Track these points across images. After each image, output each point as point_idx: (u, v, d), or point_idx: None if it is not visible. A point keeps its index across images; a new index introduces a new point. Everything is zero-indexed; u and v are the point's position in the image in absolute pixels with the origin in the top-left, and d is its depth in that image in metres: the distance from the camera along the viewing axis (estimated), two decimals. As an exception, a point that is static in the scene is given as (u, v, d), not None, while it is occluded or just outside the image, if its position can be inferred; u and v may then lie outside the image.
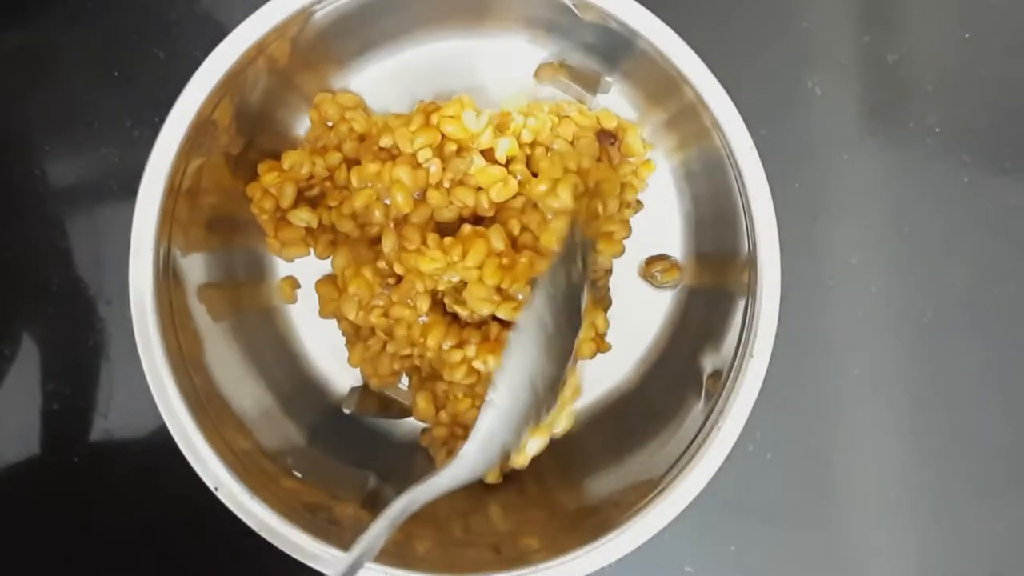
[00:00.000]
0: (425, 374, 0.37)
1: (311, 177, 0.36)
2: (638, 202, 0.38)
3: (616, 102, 0.38)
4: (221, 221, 0.36)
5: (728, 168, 0.32)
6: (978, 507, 0.40)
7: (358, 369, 0.38)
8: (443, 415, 0.37)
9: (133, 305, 0.31)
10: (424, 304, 0.34)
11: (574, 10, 0.33)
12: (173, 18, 0.39)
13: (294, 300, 0.38)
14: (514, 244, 0.35)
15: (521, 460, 0.32)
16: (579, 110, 0.37)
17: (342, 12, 0.33)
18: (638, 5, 0.31)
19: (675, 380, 0.37)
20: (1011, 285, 0.40)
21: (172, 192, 0.31)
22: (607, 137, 0.37)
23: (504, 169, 0.35)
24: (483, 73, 0.38)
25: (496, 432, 0.29)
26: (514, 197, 0.35)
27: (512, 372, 0.29)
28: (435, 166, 0.34)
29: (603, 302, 0.38)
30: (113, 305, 0.39)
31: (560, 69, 0.37)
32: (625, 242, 0.38)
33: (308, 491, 0.33)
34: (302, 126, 0.38)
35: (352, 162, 0.36)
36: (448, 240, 0.34)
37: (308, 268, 0.38)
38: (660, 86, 0.34)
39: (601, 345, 0.37)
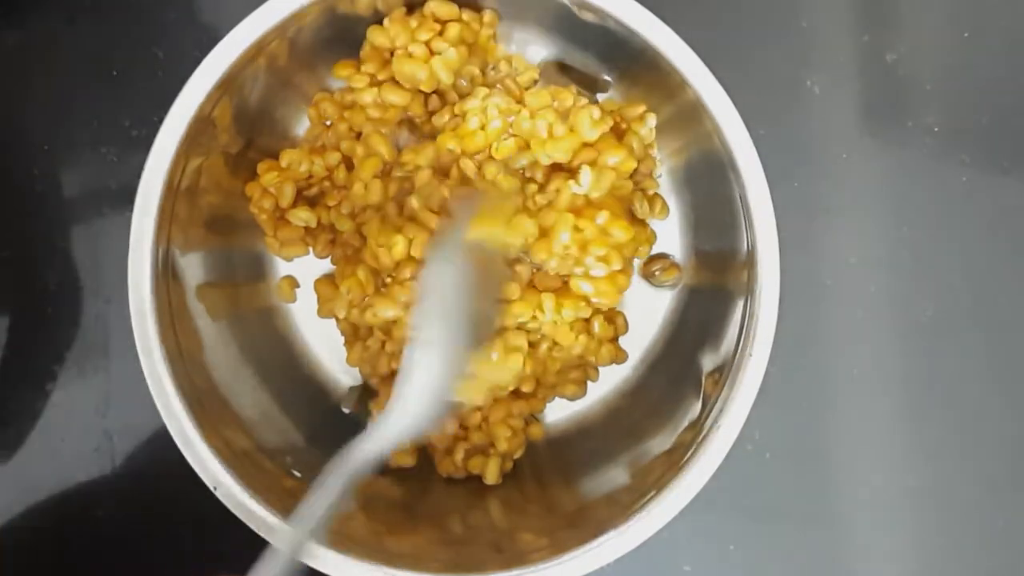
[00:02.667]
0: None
1: (310, 176, 0.36)
2: (661, 201, 0.38)
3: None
4: (220, 220, 0.36)
5: (727, 168, 0.32)
6: (978, 506, 0.40)
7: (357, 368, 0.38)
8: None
9: (132, 304, 0.31)
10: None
11: (574, 10, 0.33)
12: (173, 18, 0.39)
13: (293, 299, 0.38)
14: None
15: (475, 396, 0.32)
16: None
17: (341, 12, 0.33)
18: (638, 5, 0.31)
19: (674, 379, 0.37)
20: (1011, 285, 0.40)
21: (171, 191, 0.31)
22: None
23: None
24: (482, 73, 0.38)
25: (426, 373, 0.28)
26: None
27: (429, 304, 0.28)
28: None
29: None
30: (112, 304, 0.39)
31: (560, 69, 0.37)
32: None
33: (308, 491, 0.33)
34: (301, 126, 0.38)
35: (351, 161, 0.36)
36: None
37: (307, 267, 0.38)
38: (660, 86, 0.34)
39: (618, 354, 0.37)
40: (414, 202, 0.34)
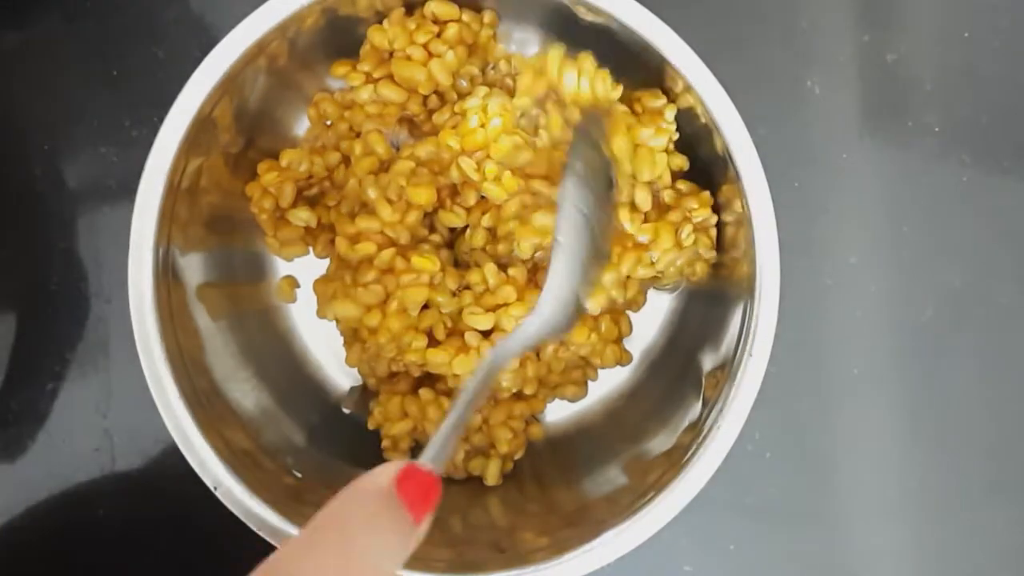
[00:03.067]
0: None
1: (310, 176, 0.36)
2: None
3: (615, 102, 0.38)
4: (220, 220, 0.36)
5: (728, 168, 0.32)
6: (977, 506, 0.40)
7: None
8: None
9: (132, 304, 0.31)
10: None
11: (574, 10, 0.33)
12: (173, 18, 0.39)
13: (293, 299, 0.38)
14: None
15: (592, 307, 0.34)
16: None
17: (341, 12, 0.33)
18: (638, 5, 0.31)
19: (674, 380, 0.37)
20: (1010, 285, 0.40)
21: (171, 191, 0.31)
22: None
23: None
24: (482, 73, 0.38)
25: (567, 274, 0.30)
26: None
27: (569, 213, 0.30)
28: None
29: (636, 302, 0.37)
30: (113, 304, 0.39)
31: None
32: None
33: (308, 491, 0.33)
34: (301, 126, 0.38)
35: (351, 161, 0.36)
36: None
37: (307, 267, 0.38)
38: (660, 86, 0.34)
39: (623, 355, 0.37)
40: (371, 192, 0.34)
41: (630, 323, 0.38)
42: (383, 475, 0.25)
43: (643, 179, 0.34)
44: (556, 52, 0.32)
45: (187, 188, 0.32)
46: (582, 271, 0.30)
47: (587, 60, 0.32)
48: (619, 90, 0.33)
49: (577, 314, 0.31)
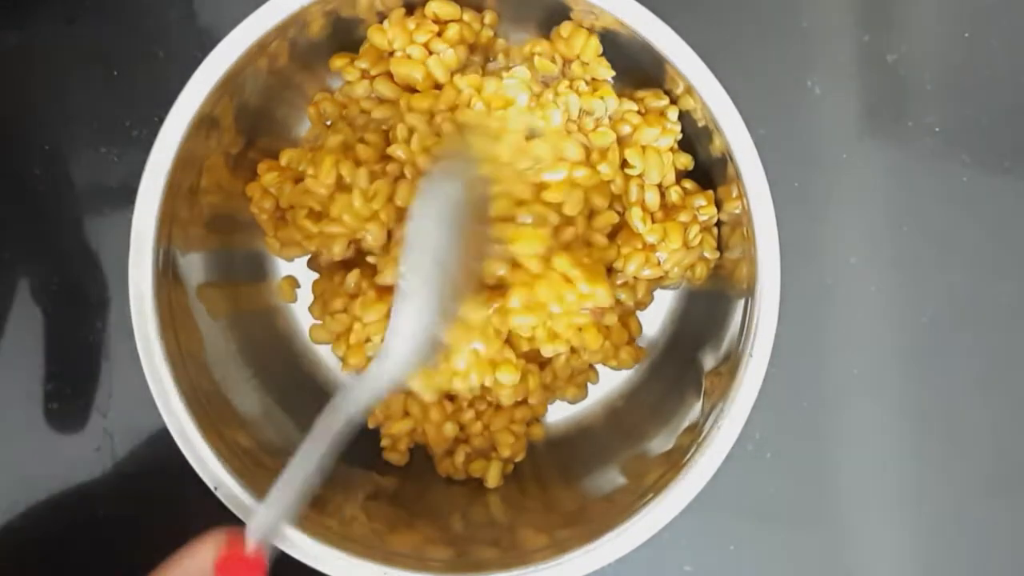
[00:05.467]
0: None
1: (310, 177, 0.36)
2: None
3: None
4: (221, 221, 0.36)
5: (728, 168, 0.32)
6: (978, 507, 0.40)
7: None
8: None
9: (133, 305, 0.31)
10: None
11: (574, 10, 0.33)
12: (173, 18, 0.39)
13: (294, 299, 0.38)
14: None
15: (462, 384, 0.32)
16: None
17: (342, 13, 0.34)
18: (638, 5, 0.31)
19: (675, 380, 0.37)
20: (1011, 285, 0.40)
21: (171, 191, 0.31)
22: None
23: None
24: (483, 73, 0.38)
25: (415, 317, 0.28)
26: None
27: (416, 256, 0.28)
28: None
29: (643, 303, 0.37)
30: (113, 305, 0.39)
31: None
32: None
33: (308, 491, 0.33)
34: (302, 126, 0.38)
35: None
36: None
37: (308, 268, 0.38)
38: (660, 86, 0.34)
39: (639, 352, 0.37)
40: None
41: (639, 323, 0.38)
42: (205, 555, 0.23)
43: (651, 181, 0.34)
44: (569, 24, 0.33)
45: (187, 188, 0.32)
46: (434, 311, 0.28)
47: (594, 40, 0.32)
48: (610, 71, 0.34)
49: (433, 350, 0.29)
